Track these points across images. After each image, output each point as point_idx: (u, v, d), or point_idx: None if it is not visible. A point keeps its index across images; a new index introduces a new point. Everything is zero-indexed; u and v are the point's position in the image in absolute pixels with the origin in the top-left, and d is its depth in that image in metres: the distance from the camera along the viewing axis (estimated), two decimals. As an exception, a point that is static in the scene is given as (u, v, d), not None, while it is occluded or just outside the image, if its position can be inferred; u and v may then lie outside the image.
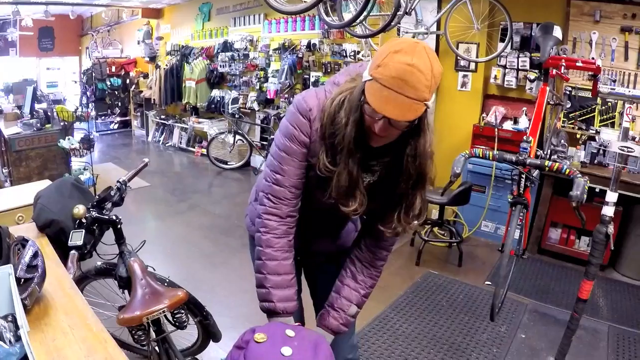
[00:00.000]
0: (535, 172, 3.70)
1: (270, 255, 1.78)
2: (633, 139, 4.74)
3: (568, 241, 5.21)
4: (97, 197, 2.68)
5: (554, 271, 5.00)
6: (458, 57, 5.82)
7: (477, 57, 5.72)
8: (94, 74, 11.52)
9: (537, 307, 4.27)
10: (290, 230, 1.83)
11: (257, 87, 8.63)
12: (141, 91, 11.37)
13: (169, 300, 2.17)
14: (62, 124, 6.36)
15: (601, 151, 4.94)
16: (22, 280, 1.74)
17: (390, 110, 1.41)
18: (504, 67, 5.66)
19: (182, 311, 2.36)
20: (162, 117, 10.86)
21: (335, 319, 1.87)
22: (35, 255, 1.85)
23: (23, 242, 1.94)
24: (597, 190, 4.50)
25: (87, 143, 6.08)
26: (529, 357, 3.58)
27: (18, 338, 1.52)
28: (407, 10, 4.78)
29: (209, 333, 2.92)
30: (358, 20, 4.49)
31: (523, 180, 3.44)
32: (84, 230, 2.43)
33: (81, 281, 2.81)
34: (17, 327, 1.55)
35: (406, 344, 3.66)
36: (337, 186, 1.62)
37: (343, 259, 1.99)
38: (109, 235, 2.67)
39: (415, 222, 1.76)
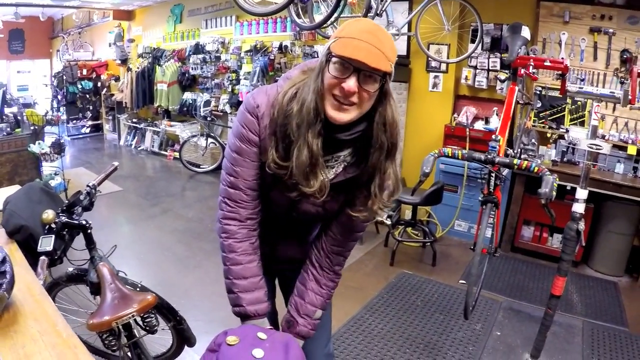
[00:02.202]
0: (505, 171, 3.74)
1: (234, 260, 1.76)
2: (603, 137, 4.83)
3: (541, 239, 5.29)
4: (66, 201, 2.65)
5: (528, 269, 5.07)
6: (429, 58, 5.86)
7: (448, 58, 5.76)
8: (65, 77, 11.33)
9: (512, 305, 4.32)
10: (252, 232, 1.81)
11: (229, 90, 8.59)
12: (113, 94, 11.23)
13: (138, 304, 2.15)
14: (32, 128, 6.25)
15: (571, 149, 5.02)
16: (-10, 287, 1.69)
17: (363, 55, 1.38)
18: (475, 67, 5.73)
19: (152, 315, 2.35)
20: (134, 120, 10.73)
21: (304, 326, 1.86)
22: (3, 260, 1.81)
23: (-10, 248, 1.90)
24: (568, 188, 4.58)
25: (58, 147, 5.99)
26: (504, 354, 3.62)
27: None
28: (378, 12, 4.81)
29: (183, 338, 2.89)
30: (329, 22, 4.52)
31: (493, 179, 3.47)
32: (53, 236, 2.39)
33: (53, 288, 2.77)
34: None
35: (382, 344, 3.67)
36: (298, 164, 1.54)
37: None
38: (80, 240, 2.63)
39: (391, 198, 1.70)
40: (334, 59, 1.43)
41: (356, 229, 1.85)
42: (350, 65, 1.41)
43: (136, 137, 10.75)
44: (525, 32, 4.19)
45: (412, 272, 4.92)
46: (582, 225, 3.10)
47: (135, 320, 2.24)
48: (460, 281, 4.74)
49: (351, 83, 1.42)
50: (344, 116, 1.49)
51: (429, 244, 5.31)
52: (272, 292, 2.24)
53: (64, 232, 2.51)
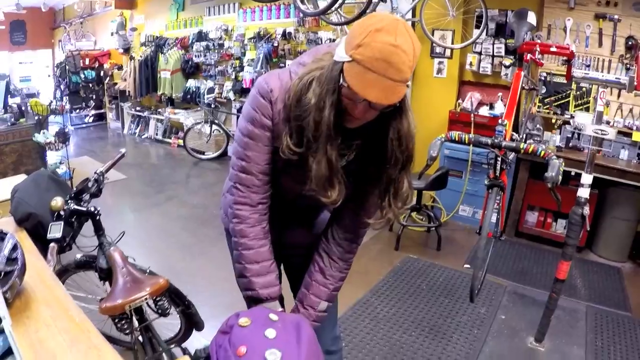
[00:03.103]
0: (511, 155, 3.75)
1: (246, 245, 1.77)
2: (607, 123, 4.83)
3: (545, 224, 5.30)
4: (74, 189, 2.66)
5: (532, 253, 5.08)
6: (433, 44, 5.85)
7: (452, 43, 5.74)
8: (67, 67, 11.29)
9: (516, 289, 4.34)
10: (263, 217, 1.80)
11: (233, 77, 8.58)
12: (115, 83, 11.21)
13: (150, 287, 2.18)
14: (36, 118, 6.27)
15: (576, 135, 5.01)
16: (2, 273, 1.71)
17: (375, 94, 1.33)
18: (480, 53, 5.71)
19: (164, 298, 2.37)
20: (138, 109, 10.72)
21: (307, 317, 1.85)
22: (14, 247, 1.83)
23: (1, 235, 1.91)
24: (572, 173, 4.58)
25: (63, 136, 5.99)
26: (509, 338, 3.65)
27: (1, 331, 1.51)
28: (382, -2, 4.79)
29: (191, 322, 2.92)
30: (333, 8, 4.51)
31: (499, 163, 3.47)
32: (62, 223, 2.41)
33: (61, 274, 2.79)
34: (-1, 321, 1.54)
35: (388, 327, 3.70)
36: (317, 176, 1.54)
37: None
38: (88, 227, 2.66)
39: (405, 207, 1.72)
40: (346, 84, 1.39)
41: (366, 216, 1.80)
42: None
43: (140, 126, 10.75)
44: (531, 18, 4.19)
45: (417, 256, 4.94)
46: (586, 210, 3.11)
47: (147, 303, 2.27)
48: (465, 265, 4.75)
49: (361, 109, 1.42)
50: (353, 124, 1.51)
51: (433, 228, 5.33)
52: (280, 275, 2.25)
53: (73, 219, 2.53)
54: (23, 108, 6.27)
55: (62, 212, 2.45)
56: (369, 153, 1.63)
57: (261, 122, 1.63)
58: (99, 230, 2.62)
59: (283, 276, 2.31)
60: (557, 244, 4.97)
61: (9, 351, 1.48)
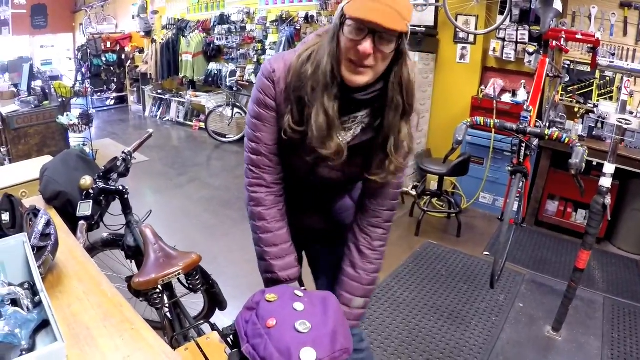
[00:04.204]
0: (535, 142, 3.74)
1: (264, 228, 1.79)
2: (631, 113, 4.78)
3: (565, 214, 5.26)
4: (103, 168, 2.71)
5: (551, 243, 5.06)
6: (457, 30, 5.81)
7: (476, 29, 5.70)
8: (89, 50, 11.37)
9: (535, 278, 4.34)
10: (279, 198, 1.82)
11: (255, 60, 8.59)
12: (137, 66, 11.26)
13: (183, 262, 2.23)
14: (60, 100, 6.34)
15: (599, 125, 4.97)
16: (36, 248, 1.75)
17: (378, 16, 1.34)
18: (503, 39, 5.64)
19: (197, 274, 2.41)
20: (159, 91, 10.79)
21: None
22: (47, 224, 1.87)
23: (35, 211, 1.96)
24: (594, 163, 4.54)
25: (86, 119, 6.06)
26: (526, 326, 3.66)
27: (35, 305, 1.55)
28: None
29: (214, 302, 2.96)
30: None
31: (523, 149, 3.47)
32: (91, 201, 2.46)
33: (88, 253, 2.83)
34: (34, 294, 1.58)
35: (407, 311, 3.74)
36: (315, 127, 1.53)
37: (342, 246, 1.94)
38: (114, 206, 2.71)
39: (406, 160, 1.69)
40: (348, 21, 1.41)
41: (389, 196, 1.81)
42: (365, 27, 1.38)
43: (161, 108, 10.83)
44: (558, 4, 4.15)
45: (437, 242, 4.95)
46: (608, 200, 3.10)
47: (178, 279, 2.31)
48: (485, 253, 4.76)
49: (367, 45, 1.39)
50: (359, 78, 1.48)
51: (454, 215, 5.32)
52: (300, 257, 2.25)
53: (101, 198, 2.58)
54: (47, 91, 6.34)
55: (91, 191, 2.50)
56: (374, 127, 1.62)
57: (265, 103, 1.65)
58: (127, 208, 2.68)
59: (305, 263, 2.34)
60: (577, 234, 4.94)
61: (42, 325, 1.51)
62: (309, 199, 2.03)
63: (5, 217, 1.86)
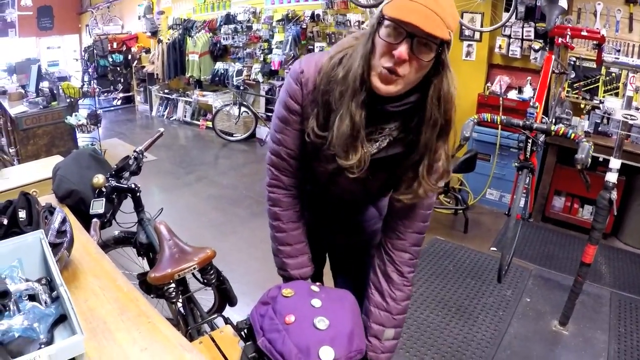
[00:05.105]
0: (542, 138, 3.76)
1: (278, 227, 1.81)
2: (637, 109, 4.79)
3: (572, 209, 5.27)
4: (115, 166, 2.75)
5: (558, 238, 5.08)
6: (463, 27, 5.80)
7: (481, 26, 5.70)
8: (95, 51, 11.43)
9: (542, 273, 4.36)
10: (296, 200, 1.79)
11: (261, 59, 8.62)
12: (143, 66, 11.29)
13: (198, 257, 2.27)
14: (68, 100, 6.39)
15: (605, 121, 4.98)
16: (52, 245, 1.78)
17: (418, 19, 1.22)
18: (509, 36, 5.65)
19: (211, 269, 2.45)
20: (166, 91, 10.82)
21: (373, 350, 1.69)
22: (63, 221, 1.91)
23: (50, 209, 2.00)
24: (600, 159, 4.55)
25: (94, 119, 6.10)
26: (534, 320, 3.68)
27: (53, 300, 1.58)
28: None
29: (225, 298, 2.99)
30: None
31: (529, 145, 3.49)
32: (104, 199, 2.50)
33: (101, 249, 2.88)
34: (51, 290, 1.61)
35: (415, 306, 3.77)
36: (337, 134, 1.43)
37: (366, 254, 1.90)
38: (125, 204, 2.75)
39: (438, 183, 1.54)
40: (385, 22, 1.29)
41: (417, 218, 1.67)
42: (403, 30, 1.26)
43: (168, 108, 10.86)
44: (563, 1, 4.16)
45: (445, 238, 4.97)
46: (614, 195, 3.12)
47: (193, 274, 2.35)
48: (492, 248, 4.78)
49: (402, 49, 1.27)
50: (389, 88, 1.35)
51: (461, 211, 5.36)
52: (320, 264, 2.25)
53: (113, 196, 2.62)
54: (55, 91, 6.38)
55: (103, 189, 2.54)
56: (403, 142, 1.51)
57: (290, 106, 1.58)
58: (139, 206, 2.72)
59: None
60: (583, 230, 4.94)
61: (60, 319, 1.55)
62: (332, 212, 1.97)
63: (22, 214, 1.89)
